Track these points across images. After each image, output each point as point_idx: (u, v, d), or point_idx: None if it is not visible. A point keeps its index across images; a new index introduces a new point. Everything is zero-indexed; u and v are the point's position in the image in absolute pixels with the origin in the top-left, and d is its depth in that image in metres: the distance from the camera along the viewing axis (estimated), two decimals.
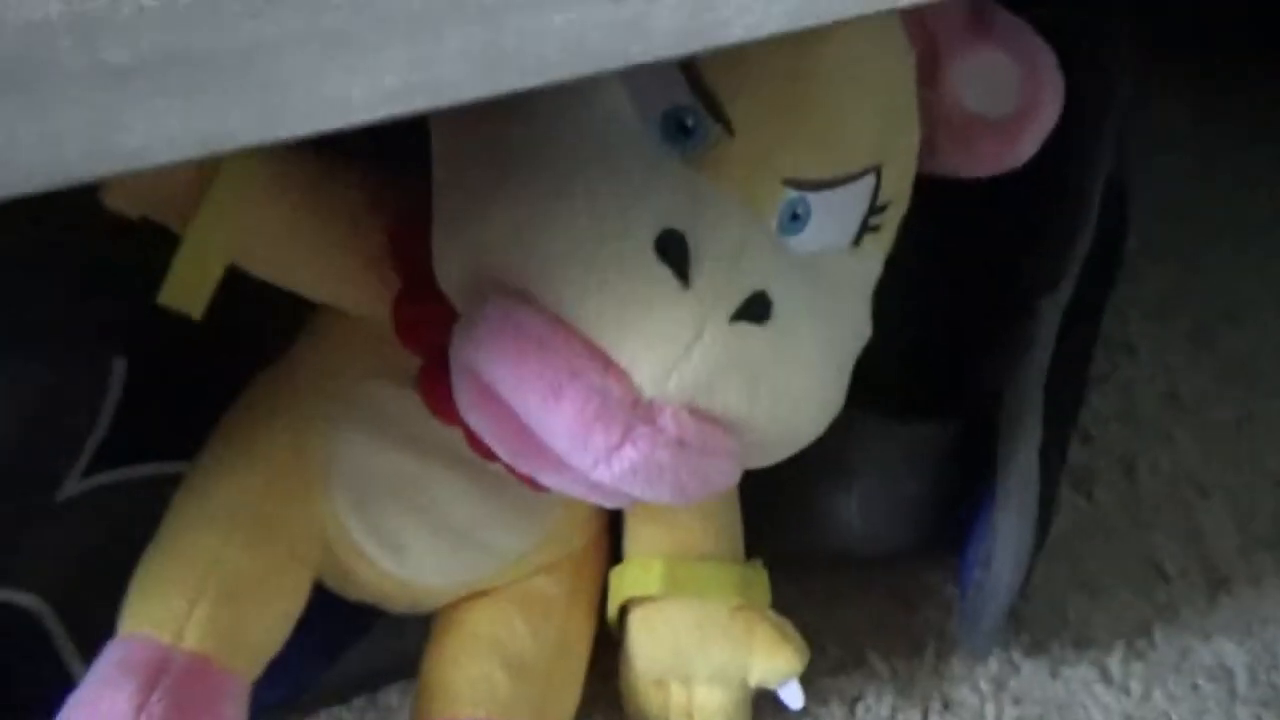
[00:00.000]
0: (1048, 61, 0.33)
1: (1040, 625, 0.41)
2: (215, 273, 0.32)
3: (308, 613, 0.39)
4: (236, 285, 0.39)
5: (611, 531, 0.40)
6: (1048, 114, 0.33)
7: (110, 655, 0.33)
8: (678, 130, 0.29)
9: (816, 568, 0.41)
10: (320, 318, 0.37)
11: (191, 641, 0.32)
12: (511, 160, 0.28)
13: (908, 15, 0.32)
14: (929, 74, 0.34)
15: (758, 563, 0.38)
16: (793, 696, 0.37)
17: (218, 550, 0.34)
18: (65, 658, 0.42)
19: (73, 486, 0.43)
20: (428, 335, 0.32)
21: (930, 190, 0.36)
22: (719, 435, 0.29)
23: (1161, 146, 0.54)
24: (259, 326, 0.41)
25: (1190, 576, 0.43)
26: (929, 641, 0.41)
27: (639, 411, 0.27)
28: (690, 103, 0.29)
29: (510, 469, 0.33)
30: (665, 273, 0.27)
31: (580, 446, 0.27)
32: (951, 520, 0.39)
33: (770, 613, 0.37)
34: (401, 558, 0.36)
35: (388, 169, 0.34)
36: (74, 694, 0.32)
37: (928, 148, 0.35)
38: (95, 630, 0.42)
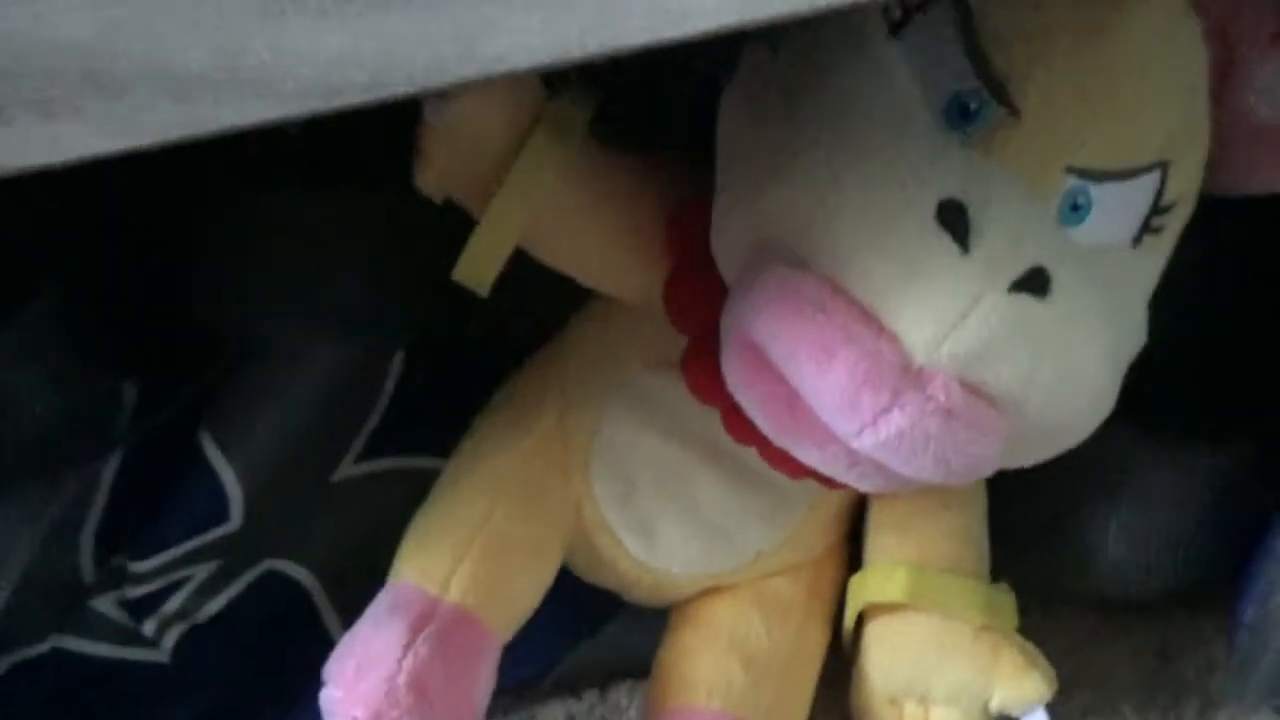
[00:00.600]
0: None
1: None
2: (505, 252, 0.34)
3: (553, 595, 0.40)
4: (514, 292, 0.42)
5: (852, 543, 0.40)
6: None
7: (382, 599, 0.35)
8: (961, 113, 0.29)
9: (1069, 603, 0.39)
10: (592, 305, 0.39)
11: (455, 595, 0.34)
12: (797, 136, 0.29)
13: (1204, 13, 0.31)
14: (1225, 82, 0.33)
15: (1005, 585, 0.37)
16: None
17: (485, 514, 0.36)
18: (331, 630, 0.45)
19: (346, 470, 0.46)
20: (698, 312, 0.33)
21: (1218, 207, 0.35)
22: (989, 411, 0.28)
23: None
24: (532, 333, 0.44)
25: None
26: (1190, 699, 0.38)
27: (909, 377, 0.27)
28: (975, 86, 0.29)
29: (766, 452, 0.33)
30: (945, 240, 0.27)
31: (848, 410, 0.27)
32: (1228, 562, 0.37)
33: (1017, 637, 0.36)
34: (650, 543, 0.37)
35: (665, 159, 0.36)
36: (348, 633, 0.35)
37: (1217, 161, 0.34)
38: (360, 607, 0.45)
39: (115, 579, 0.44)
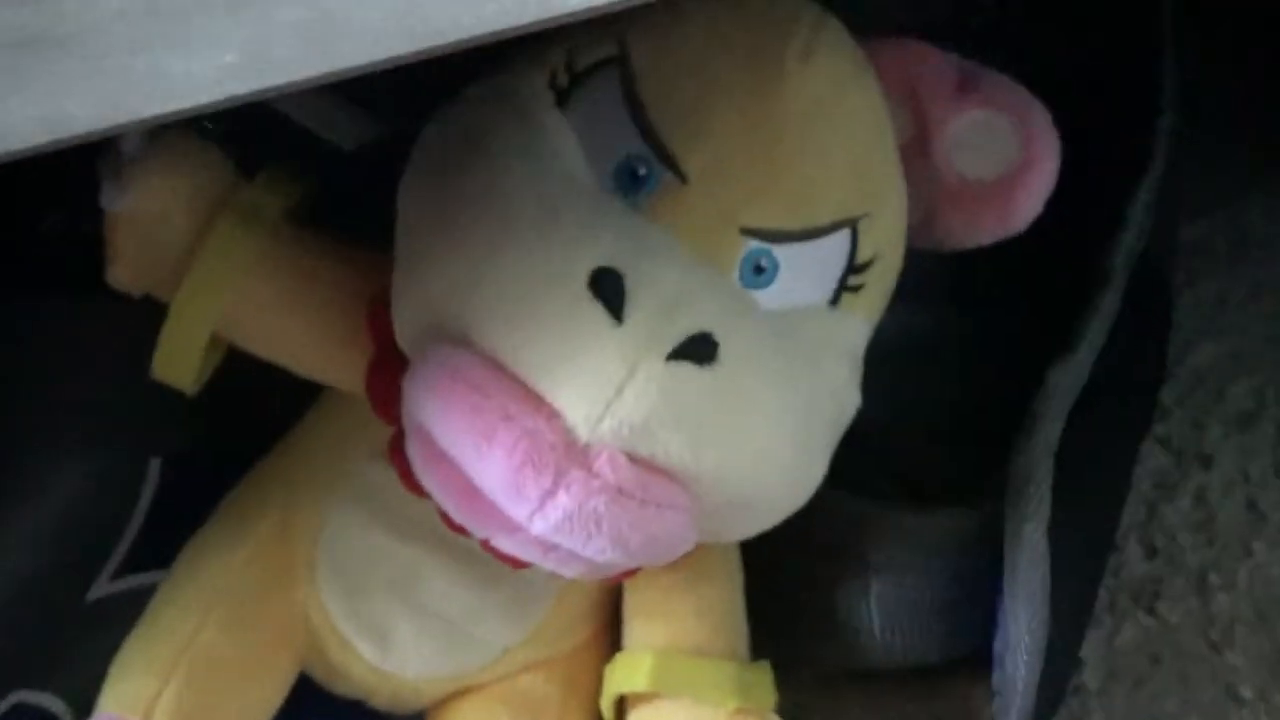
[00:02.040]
0: (1040, 118, 0.32)
1: None
2: (199, 347, 0.33)
3: (293, 706, 0.38)
4: (267, 384, 0.40)
5: (614, 630, 0.38)
6: (1044, 172, 0.32)
7: None
8: (631, 179, 0.28)
9: (844, 680, 0.38)
10: (319, 401, 0.38)
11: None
12: (460, 210, 0.28)
13: (887, 73, 0.31)
14: (920, 140, 0.33)
15: (763, 664, 0.35)
16: None
17: (192, 632, 0.34)
18: None
19: (103, 588, 0.43)
20: (398, 401, 0.32)
21: (943, 262, 0.35)
22: (663, 485, 0.27)
23: None
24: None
25: (1270, 700, 0.38)
26: None
27: (573, 455, 0.26)
28: (642, 151, 0.28)
29: (484, 543, 0.32)
30: (598, 310, 0.26)
31: (515, 494, 0.26)
32: (984, 625, 0.36)
33: (774, 717, 0.35)
34: (385, 647, 0.35)
35: (371, 244, 0.35)
36: None
37: (925, 218, 0.33)
38: None
39: None
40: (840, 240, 0.30)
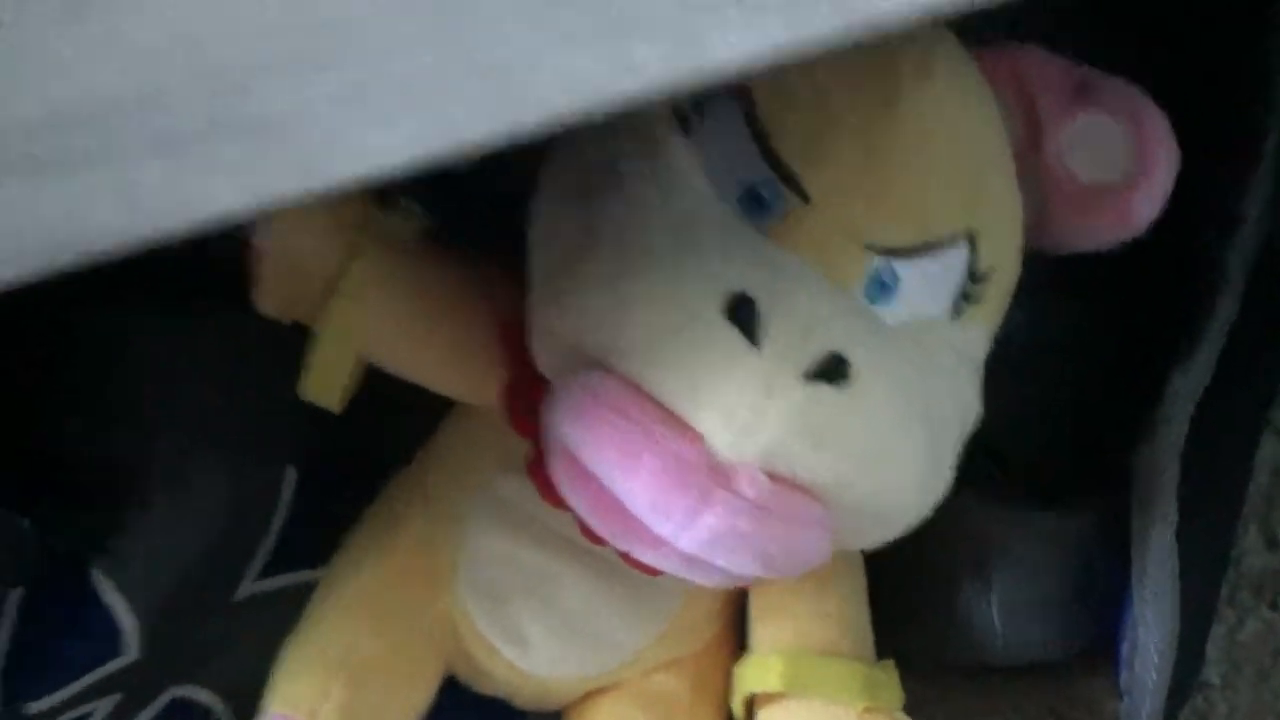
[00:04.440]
0: (1157, 122, 0.32)
1: None
2: (346, 368, 0.35)
3: (442, 705, 0.40)
4: (396, 394, 0.42)
5: (739, 630, 0.40)
6: (1160, 177, 0.32)
7: None
8: (756, 204, 0.30)
9: (958, 675, 0.39)
10: (453, 415, 0.39)
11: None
12: (592, 240, 0.29)
13: (1003, 82, 0.32)
14: (1033, 144, 0.33)
15: (888, 663, 0.37)
16: None
17: (353, 637, 0.36)
18: None
19: (248, 588, 0.46)
20: (535, 418, 0.33)
21: (1058, 266, 0.35)
22: (803, 502, 0.28)
23: None
24: (420, 435, 0.44)
25: None
26: None
27: (716, 476, 0.27)
28: (766, 175, 0.29)
29: (624, 555, 0.33)
30: (734, 335, 0.27)
31: (661, 514, 0.28)
32: (1106, 621, 0.36)
33: (902, 715, 0.36)
34: (524, 650, 0.37)
35: (504, 262, 0.36)
36: None
37: (1041, 222, 0.34)
38: None
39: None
40: (959, 253, 0.31)
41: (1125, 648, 0.34)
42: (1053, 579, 0.36)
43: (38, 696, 0.43)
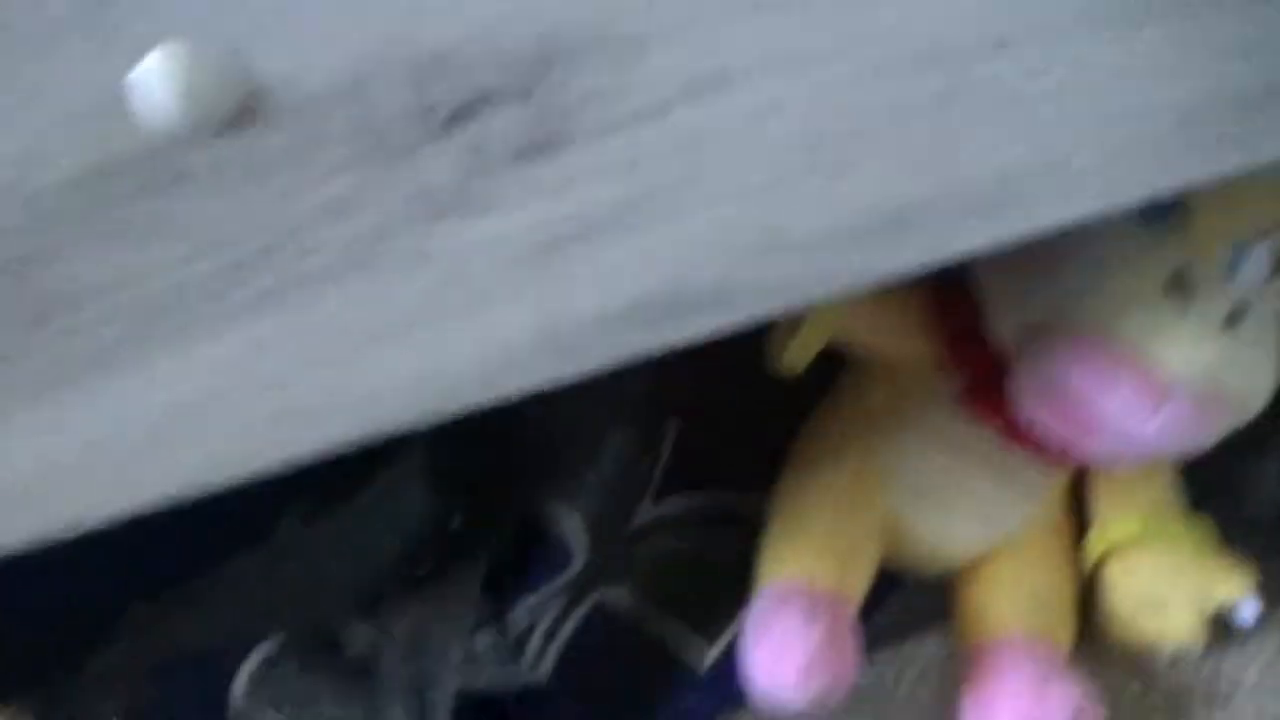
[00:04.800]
0: None
1: None
2: (821, 345, 0.47)
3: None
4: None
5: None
6: None
7: (766, 596, 0.47)
8: (1157, 215, 0.43)
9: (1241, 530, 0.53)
10: (864, 366, 0.52)
11: (825, 584, 0.47)
12: (1053, 254, 0.43)
13: None
14: None
15: (1205, 517, 0.50)
16: (1249, 611, 0.47)
17: (829, 525, 0.49)
18: (663, 637, 0.58)
19: (644, 514, 0.59)
20: (973, 365, 0.47)
21: None
22: (1219, 408, 0.42)
23: None
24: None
25: None
26: None
27: (1167, 390, 0.41)
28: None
29: (1041, 453, 0.47)
30: (1178, 301, 0.42)
31: (1126, 421, 0.42)
32: None
33: (1224, 560, 0.49)
34: (941, 534, 0.50)
35: None
36: (752, 616, 0.47)
37: None
38: (663, 618, 0.57)
39: (492, 619, 0.57)
40: (1276, 239, 0.44)
41: None
42: None
43: (512, 604, 0.56)
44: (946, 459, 0.49)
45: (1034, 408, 0.44)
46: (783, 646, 0.45)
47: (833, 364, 0.56)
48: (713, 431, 0.59)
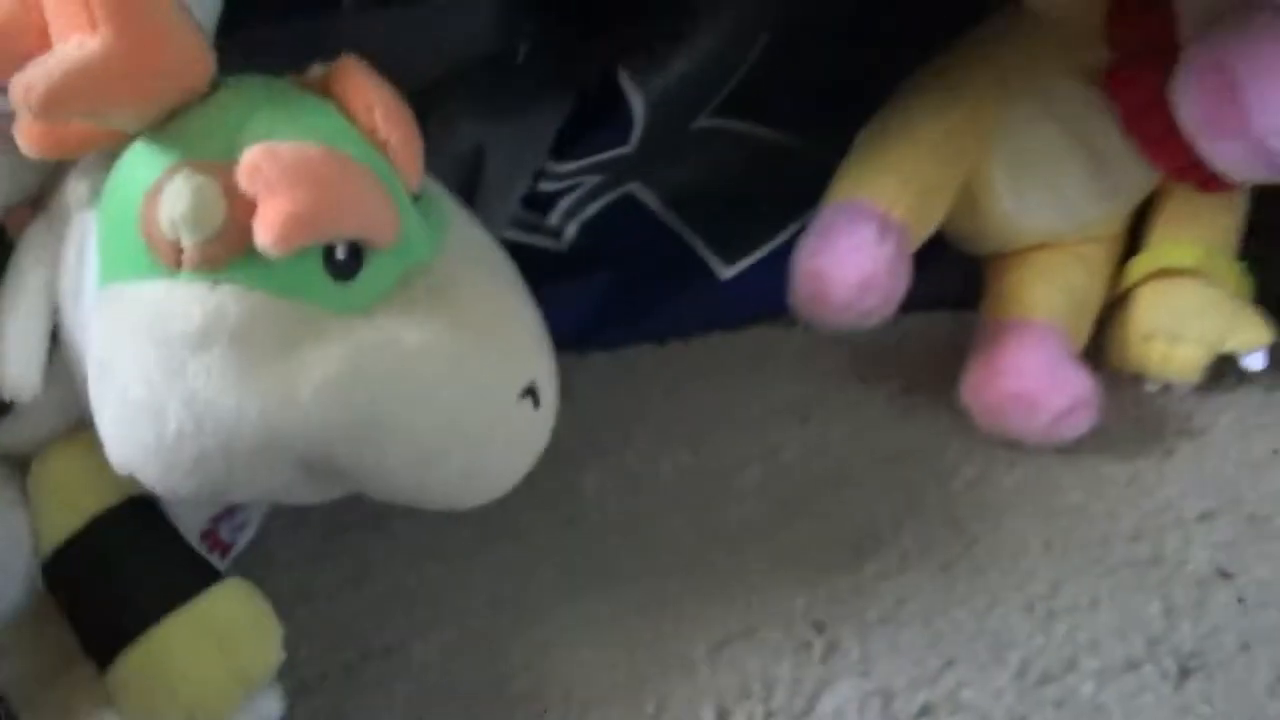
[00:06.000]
0: None
1: None
2: None
3: None
4: None
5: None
6: None
7: (839, 209, 0.48)
8: None
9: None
10: (1010, 20, 0.51)
11: (899, 213, 0.47)
12: None
13: None
14: None
15: (1246, 265, 0.51)
16: (1258, 361, 0.49)
17: (922, 158, 0.49)
18: (688, 240, 0.59)
19: (703, 121, 0.58)
20: (1135, 36, 0.46)
21: None
22: None
23: None
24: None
25: None
26: None
27: None
28: None
29: (1150, 150, 0.48)
30: None
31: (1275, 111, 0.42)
32: None
33: (1250, 302, 0.51)
34: (1021, 203, 0.50)
35: None
36: (818, 224, 0.48)
37: None
38: (712, 223, 0.58)
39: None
40: None
41: None
42: None
43: (564, 160, 0.56)
44: (1057, 132, 0.49)
45: (1192, 88, 0.44)
46: (847, 256, 0.46)
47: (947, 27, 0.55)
48: (798, 60, 0.58)
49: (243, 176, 0.31)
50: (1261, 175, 0.45)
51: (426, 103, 0.50)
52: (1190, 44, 0.44)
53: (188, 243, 0.31)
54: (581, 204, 0.58)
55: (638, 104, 0.55)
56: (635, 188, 0.59)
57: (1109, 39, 0.47)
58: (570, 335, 0.57)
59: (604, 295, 0.57)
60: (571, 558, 0.46)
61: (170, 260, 0.32)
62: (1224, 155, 0.45)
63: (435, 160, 0.47)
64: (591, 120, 0.55)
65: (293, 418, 0.32)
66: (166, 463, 0.33)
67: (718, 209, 0.59)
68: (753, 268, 0.58)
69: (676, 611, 0.43)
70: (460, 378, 0.34)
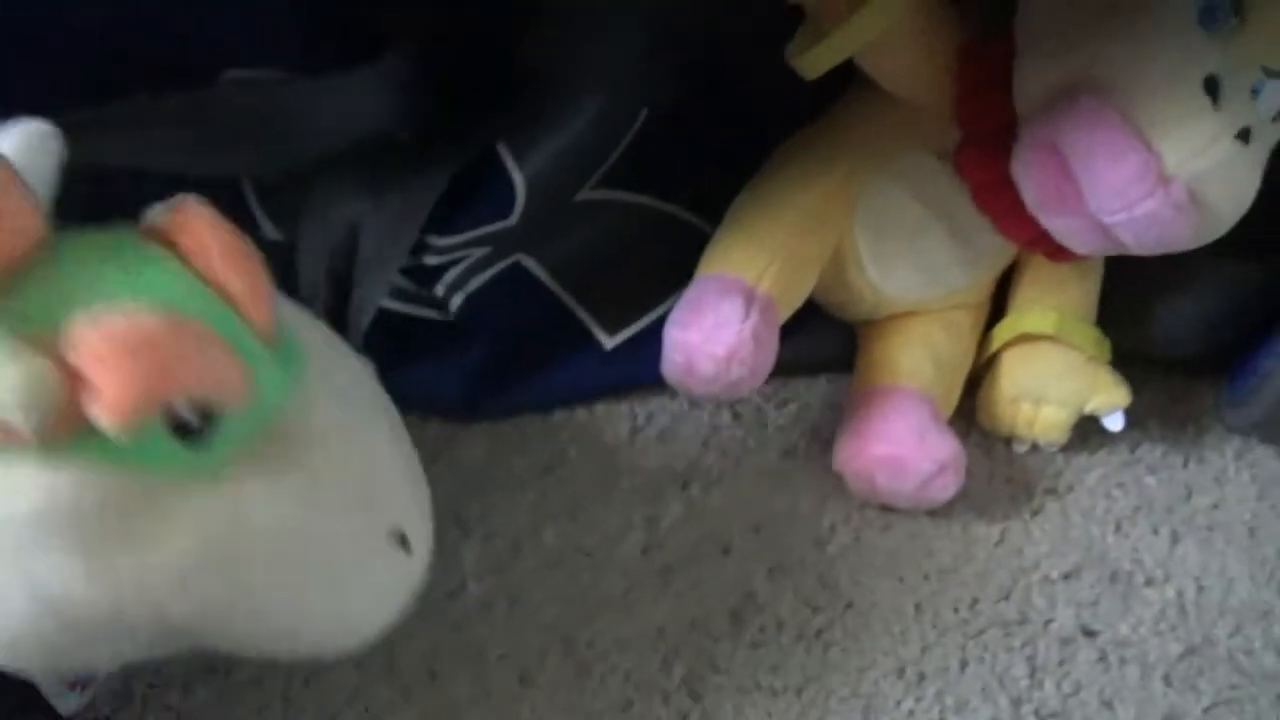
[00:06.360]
0: None
1: None
2: (845, 56, 0.47)
3: None
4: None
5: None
6: None
7: (707, 282, 0.49)
8: (1211, 17, 0.43)
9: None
10: (873, 93, 0.51)
11: (766, 286, 0.48)
12: (1091, 18, 0.44)
13: None
14: None
15: (1108, 337, 0.53)
16: (1117, 422, 0.51)
17: (787, 233, 0.50)
18: (573, 309, 0.59)
19: (586, 194, 0.59)
20: (982, 118, 0.48)
21: None
22: (1197, 213, 0.43)
23: None
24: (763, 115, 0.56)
25: None
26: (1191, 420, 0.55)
27: (1162, 182, 0.43)
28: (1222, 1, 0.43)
29: (1003, 224, 0.49)
30: (1205, 100, 0.43)
31: (1118, 196, 0.43)
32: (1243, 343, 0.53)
33: (1108, 365, 0.52)
34: (884, 271, 0.52)
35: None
36: (685, 299, 0.49)
37: None
38: (597, 293, 0.58)
39: (415, 250, 0.57)
40: None
41: (1267, 363, 0.51)
42: (1218, 303, 0.54)
43: (446, 234, 0.56)
44: (919, 206, 0.51)
45: (1030, 169, 0.45)
46: (714, 331, 0.47)
47: (817, 99, 0.56)
48: (679, 131, 0.59)
49: (71, 353, 0.29)
50: (1102, 249, 0.47)
51: (302, 181, 0.52)
52: (1026, 126, 0.46)
53: (21, 425, 0.29)
54: (467, 276, 0.58)
55: (518, 179, 0.56)
56: (523, 258, 0.60)
57: (957, 120, 0.49)
58: (455, 405, 0.58)
59: (489, 365, 0.58)
60: (444, 634, 0.46)
61: (3, 439, 0.30)
62: (1065, 230, 0.46)
63: (310, 239, 0.47)
64: (474, 194, 0.56)
65: (145, 607, 0.31)
66: (9, 643, 0.31)
67: (603, 279, 0.59)
68: (636, 337, 0.58)
69: (551, 686, 0.43)
70: (318, 538, 0.33)
